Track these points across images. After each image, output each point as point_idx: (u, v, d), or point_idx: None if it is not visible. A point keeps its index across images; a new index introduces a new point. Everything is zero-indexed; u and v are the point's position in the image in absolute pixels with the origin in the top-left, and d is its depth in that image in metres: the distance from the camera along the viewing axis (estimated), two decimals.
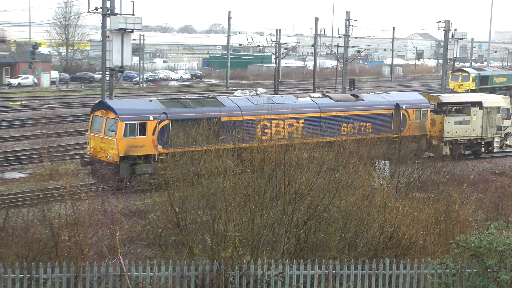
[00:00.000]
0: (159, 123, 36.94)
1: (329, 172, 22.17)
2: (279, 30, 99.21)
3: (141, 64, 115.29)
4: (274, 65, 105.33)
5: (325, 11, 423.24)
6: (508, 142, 50.29)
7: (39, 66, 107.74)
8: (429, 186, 28.04)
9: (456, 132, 47.00)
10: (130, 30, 47.14)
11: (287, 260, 16.80)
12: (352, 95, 48.42)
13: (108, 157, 35.69)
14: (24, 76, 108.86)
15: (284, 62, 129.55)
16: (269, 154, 21.26)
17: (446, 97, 52.02)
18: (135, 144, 36.15)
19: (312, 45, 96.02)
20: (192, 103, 40.63)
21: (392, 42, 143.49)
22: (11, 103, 79.91)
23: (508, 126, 49.85)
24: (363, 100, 46.21)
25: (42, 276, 16.03)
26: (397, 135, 45.64)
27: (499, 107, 50.39)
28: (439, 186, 27.57)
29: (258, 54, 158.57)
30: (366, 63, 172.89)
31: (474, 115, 48.30)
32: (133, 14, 48.22)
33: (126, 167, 35.59)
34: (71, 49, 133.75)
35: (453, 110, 49.38)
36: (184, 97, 51.53)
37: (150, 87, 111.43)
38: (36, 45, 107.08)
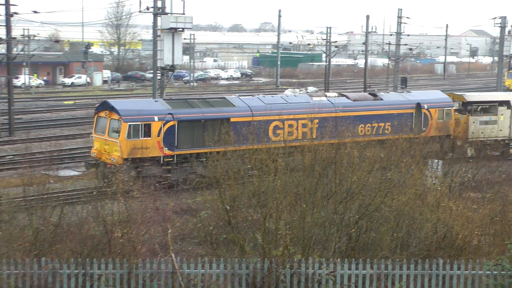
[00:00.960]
0: (164, 124, 35.80)
1: (380, 171, 22.00)
2: (330, 28, 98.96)
3: (192, 63, 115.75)
4: (324, 63, 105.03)
5: (376, 8, 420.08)
6: None
7: (91, 66, 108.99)
8: (484, 185, 27.71)
9: (482, 132, 45.04)
10: (181, 29, 47.43)
11: (339, 259, 16.74)
12: (370, 94, 46.98)
13: (112, 159, 34.91)
14: (77, 75, 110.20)
15: (334, 61, 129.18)
16: (320, 153, 21.17)
17: (471, 96, 50.16)
18: (139, 146, 35.00)
19: (363, 43, 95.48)
20: (200, 103, 39.25)
21: (446, 40, 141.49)
22: (65, 102, 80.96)
23: None
24: (382, 99, 44.88)
25: (96, 272, 16.23)
26: (418, 136, 43.31)
27: None
28: (494, 186, 27.14)
29: (308, 52, 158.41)
30: (418, 61, 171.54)
31: (502, 114, 46.64)
32: (183, 14, 48.48)
33: (131, 169, 33.14)
34: (122, 48, 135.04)
35: (478, 109, 47.49)
36: (192, 98, 49.82)
37: (200, 86, 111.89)
38: (88, 45, 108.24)
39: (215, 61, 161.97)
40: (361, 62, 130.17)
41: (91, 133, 39.12)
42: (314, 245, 18.26)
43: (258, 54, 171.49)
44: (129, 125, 34.69)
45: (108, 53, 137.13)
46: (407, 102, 44.97)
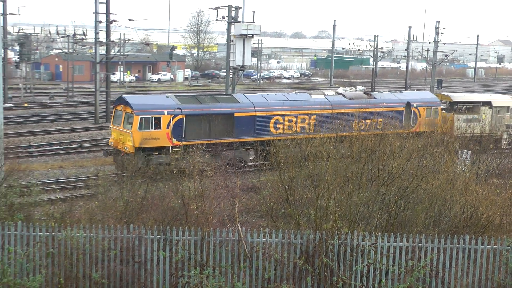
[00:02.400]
0: (173, 118, 34.36)
1: (417, 159, 21.77)
2: (377, 36, 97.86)
3: (259, 64, 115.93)
4: (371, 66, 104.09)
5: (417, 19, 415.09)
6: None
7: (175, 65, 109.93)
8: (506, 173, 27.17)
9: (466, 129, 41.12)
10: (251, 35, 47.53)
11: (379, 233, 16.59)
12: (365, 93, 44.72)
13: (125, 148, 33.77)
14: (163, 73, 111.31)
15: (380, 64, 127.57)
16: (366, 142, 21.04)
17: (457, 97, 48.34)
18: (149, 137, 33.80)
19: (405, 50, 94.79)
20: (207, 99, 37.56)
21: (476, 48, 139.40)
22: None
23: None
24: (375, 98, 42.90)
25: (174, 238, 16.35)
26: (408, 131, 41.36)
27: (508, 107, 46.77)
28: None
29: (358, 56, 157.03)
30: (452, 66, 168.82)
31: (484, 113, 44.72)
32: (253, 22, 48.59)
33: (141, 157, 33.07)
34: (201, 51, 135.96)
35: (463, 108, 45.87)
36: (200, 94, 48.09)
37: (265, 84, 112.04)
38: (173, 48, 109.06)
39: (278, 62, 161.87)
40: (403, 66, 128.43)
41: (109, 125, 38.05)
42: (359, 220, 18.14)
43: (315, 58, 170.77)
44: (141, 118, 33.58)
45: (189, 54, 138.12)
46: (398, 101, 43.27)
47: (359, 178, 19.33)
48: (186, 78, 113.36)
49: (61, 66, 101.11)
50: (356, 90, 49.20)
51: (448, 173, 21.46)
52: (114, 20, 47.30)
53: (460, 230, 18.17)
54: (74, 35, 73.17)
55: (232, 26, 47.94)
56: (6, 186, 21.00)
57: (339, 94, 42.77)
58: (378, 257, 16.15)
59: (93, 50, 51.14)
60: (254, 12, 49.50)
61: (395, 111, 41.34)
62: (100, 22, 46.79)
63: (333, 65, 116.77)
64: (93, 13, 46.66)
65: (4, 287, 15.46)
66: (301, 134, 30.70)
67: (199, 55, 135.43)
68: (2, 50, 26.90)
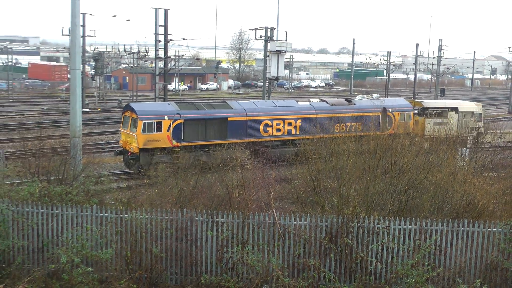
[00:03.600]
0: (173, 122, 33.34)
1: (424, 155, 21.51)
2: (389, 52, 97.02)
3: (290, 75, 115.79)
4: (385, 77, 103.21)
5: (424, 37, 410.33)
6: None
7: (220, 76, 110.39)
8: (499, 167, 26.70)
9: (435, 131, 38.58)
10: (284, 51, 47.45)
11: (392, 217, 16.44)
12: (346, 100, 42.87)
13: (131, 148, 33.01)
14: (210, 83, 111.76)
15: (392, 75, 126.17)
16: (381, 141, 20.85)
17: (427, 103, 46.77)
18: (152, 139, 32.79)
19: (413, 64, 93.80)
20: (204, 106, 36.36)
21: (473, 62, 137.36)
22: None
23: (480, 127, 43.02)
24: (355, 104, 41.23)
25: (220, 220, 16.40)
26: (384, 133, 40.37)
27: (472, 112, 45.17)
28: (507, 168, 26.20)
29: (374, 69, 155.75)
30: (452, 77, 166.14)
31: (451, 118, 43.00)
32: (285, 40, 48.56)
33: (145, 157, 32.40)
34: (242, 64, 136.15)
35: (433, 113, 44.09)
36: (199, 102, 46.66)
37: (296, 92, 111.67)
38: (219, 62, 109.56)
39: (306, 74, 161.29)
40: (411, 77, 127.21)
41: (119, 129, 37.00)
42: (375, 207, 18.00)
43: (337, 70, 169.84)
44: (144, 122, 32.69)
45: (232, 67, 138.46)
46: (375, 106, 41.43)
47: (375, 171, 19.16)
48: (229, 87, 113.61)
49: (127, 78, 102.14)
50: (372, 97, 48.37)
51: (450, 167, 21.20)
52: (171, 40, 47.52)
53: (460, 215, 17.94)
54: (138, 52, 73.70)
55: (268, 44, 47.91)
56: (84, 176, 21.29)
57: (323, 101, 41.33)
58: (390, 238, 16.03)
59: (154, 65, 51.48)
60: (286, 32, 49.64)
61: (373, 115, 39.62)
62: (159, 41, 47.06)
63: (352, 76, 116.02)
64: (153, 34, 46.95)
65: (83, 257, 15.67)
66: (326, 134, 30.25)
67: (240, 68, 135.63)
68: (81, 65, 27.24)
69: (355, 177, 18.77)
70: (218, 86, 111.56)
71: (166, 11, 46.22)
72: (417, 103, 45.94)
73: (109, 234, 16.38)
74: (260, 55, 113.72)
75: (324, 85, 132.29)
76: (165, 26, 46.31)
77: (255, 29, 49.27)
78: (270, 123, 36.60)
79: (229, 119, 35.17)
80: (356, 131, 38.05)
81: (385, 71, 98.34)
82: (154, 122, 32.94)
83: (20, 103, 75.51)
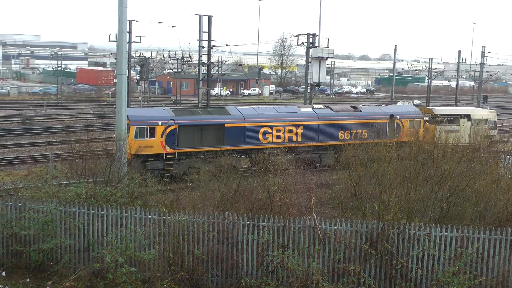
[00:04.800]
0: (167, 128, 31.72)
1: (466, 162, 21.12)
2: (431, 59, 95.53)
3: (332, 81, 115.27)
4: (426, 84, 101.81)
5: (466, 43, 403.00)
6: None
7: (262, 82, 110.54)
8: None
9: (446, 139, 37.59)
10: (325, 58, 47.31)
11: (433, 224, 16.17)
12: (351, 106, 40.62)
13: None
14: (252, 88, 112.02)
15: (434, 82, 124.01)
16: (423, 148, 20.58)
17: (438, 110, 44.46)
18: (145, 145, 31.20)
19: (455, 70, 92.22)
20: (201, 111, 34.63)
21: None
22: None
23: (494, 135, 41.15)
24: (360, 111, 39.12)
25: (261, 224, 16.39)
26: (391, 141, 38.53)
27: (486, 119, 43.05)
28: None
29: (415, 76, 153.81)
30: (495, 84, 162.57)
31: (463, 125, 41.07)
32: (327, 47, 48.36)
33: (138, 163, 29.98)
34: (284, 70, 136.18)
35: (444, 120, 41.70)
36: (196, 107, 44.18)
37: (337, 98, 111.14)
38: (261, 68, 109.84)
39: (348, 80, 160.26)
40: (453, 84, 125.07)
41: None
42: (415, 213, 17.78)
43: (379, 76, 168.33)
44: (136, 128, 31.25)
45: (274, 73, 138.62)
46: (382, 113, 39.52)
47: (416, 177, 18.94)
48: (271, 93, 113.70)
49: (171, 83, 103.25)
50: (414, 104, 47.48)
51: (492, 175, 20.76)
52: (214, 46, 47.81)
53: (503, 224, 17.57)
54: (182, 58, 74.39)
55: (310, 50, 47.82)
56: (128, 178, 21.58)
57: (327, 107, 39.39)
58: (431, 245, 15.77)
59: (197, 70, 51.91)
60: (328, 39, 49.29)
61: (379, 122, 37.80)
62: (203, 47, 47.41)
63: (393, 83, 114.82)
64: (197, 40, 47.34)
65: (127, 257, 15.88)
66: (368, 140, 29.64)
67: (282, 74, 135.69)
68: (127, 70, 27.64)
69: (396, 183, 18.57)
70: (260, 92, 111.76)
71: (210, 17, 46.58)
72: (428, 110, 44.12)
73: (152, 235, 16.56)
74: (302, 61, 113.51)
75: (365, 91, 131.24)
76: (209, 32, 46.65)
77: (297, 35, 49.24)
78: (269, 130, 34.92)
79: (226, 125, 33.61)
80: (362, 139, 37.26)
81: (426, 78, 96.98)
82: (146, 128, 31.56)
83: (68, 106, 77.11)
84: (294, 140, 35.27)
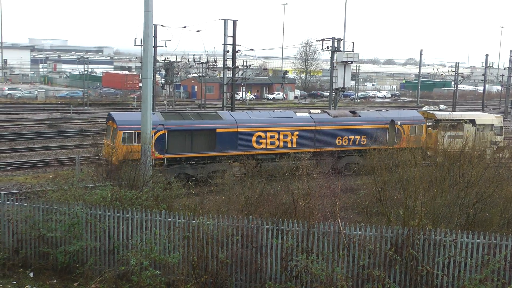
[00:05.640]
0: (156, 133, 30.68)
1: (493, 168, 20.85)
2: (458, 63, 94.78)
3: (356, 86, 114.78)
4: (452, 88, 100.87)
5: (494, 47, 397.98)
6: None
7: (287, 86, 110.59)
8: None
9: (449, 145, 35.43)
10: (350, 62, 47.08)
11: (459, 231, 15.98)
12: (350, 111, 39.45)
13: (112, 160, 30.71)
14: (277, 93, 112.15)
15: (460, 87, 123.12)
16: (449, 153, 20.39)
17: (441, 115, 43.21)
18: (133, 150, 28.99)
19: (483, 75, 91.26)
20: (192, 116, 33.50)
21: None
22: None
23: (501, 141, 40.06)
24: (359, 116, 37.94)
25: (285, 228, 16.37)
26: (392, 147, 37.84)
27: (492, 125, 41.69)
28: None
29: (441, 80, 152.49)
30: None
31: (467, 131, 38.73)
32: (352, 51, 48.12)
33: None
34: (308, 75, 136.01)
35: (447, 126, 40.31)
36: (187, 111, 43.05)
37: (362, 102, 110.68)
38: (285, 72, 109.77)
39: (373, 85, 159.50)
40: (480, 88, 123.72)
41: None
42: (441, 219, 17.60)
43: (404, 81, 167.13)
44: (124, 132, 30.66)
45: (298, 78, 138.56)
46: (382, 118, 38.36)
47: (442, 183, 18.76)
48: (295, 97, 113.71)
49: (196, 87, 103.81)
50: (440, 109, 46.84)
51: None
52: (239, 50, 47.92)
53: None
54: (207, 62, 74.76)
55: (335, 54, 47.67)
56: (153, 182, 21.73)
57: (325, 112, 38.29)
58: (457, 251, 15.58)
59: (222, 74, 52.14)
60: (353, 43, 49.07)
61: (379, 128, 37.15)
62: (228, 51, 47.58)
63: (419, 87, 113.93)
64: (222, 44, 47.53)
65: (151, 260, 15.98)
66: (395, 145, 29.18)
67: (307, 78, 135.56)
68: (152, 74, 27.82)
69: (422, 188, 18.41)
70: (285, 96, 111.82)
71: (234, 22, 46.75)
72: (430, 114, 43.02)
73: (176, 238, 16.64)
74: (327, 66, 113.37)
75: (390, 95, 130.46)
76: (234, 37, 46.82)
77: (322, 40, 49.10)
78: (263, 135, 33.98)
79: (218, 130, 32.76)
80: (360, 145, 35.93)
81: (452, 82, 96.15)
82: (134, 133, 30.56)
83: (94, 110, 77.94)
84: (289, 146, 34.43)
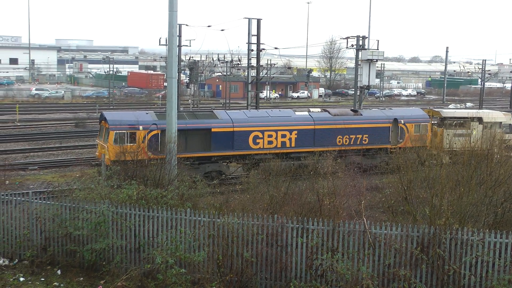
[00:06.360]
0: (148, 133, 30.37)
1: None
2: (484, 60, 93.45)
3: (381, 84, 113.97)
4: (479, 86, 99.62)
5: None
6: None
7: (311, 85, 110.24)
8: None
9: (455, 143, 32.34)
10: (375, 60, 46.73)
11: (487, 230, 15.78)
12: (352, 110, 38.40)
13: (104, 160, 29.67)
14: (301, 91, 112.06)
15: (487, 84, 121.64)
16: (476, 152, 20.13)
17: (446, 113, 42.02)
18: (125, 150, 28.78)
19: (510, 72, 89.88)
20: (187, 115, 32.71)
21: None
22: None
23: (510, 140, 36.95)
24: (361, 114, 36.97)
25: (310, 227, 16.34)
26: (395, 146, 36.26)
27: (500, 122, 40.11)
28: None
29: (467, 78, 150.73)
30: None
31: (474, 129, 37.87)
32: (377, 49, 47.79)
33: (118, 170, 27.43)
34: (333, 73, 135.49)
35: (453, 124, 39.43)
36: (181, 111, 40.48)
37: (387, 100, 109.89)
38: (310, 71, 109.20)
39: (398, 83, 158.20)
40: (508, 86, 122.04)
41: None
42: (468, 218, 17.39)
43: (430, 79, 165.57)
44: (116, 132, 30.09)
45: (323, 76, 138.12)
46: (385, 117, 37.38)
47: (469, 182, 18.53)
48: (320, 96, 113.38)
49: (220, 86, 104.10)
50: (466, 107, 46.00)
51: None
52: (263, 49, 47.90)
53: None
54: (231, 61, 74.87)
55: (360, 52, 47.38)
56: (178, 181, 21.84)
57: (325, 110, 37.18)
58: (485, 251, 15.39)
59: (246, 73, 52.21)
60: (378, 41, 48.67)
61: (381, 127, 36.61)
62: (252, 50, 47.60)
63: (445, 85, 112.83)
64: (246, 43, 47.55)
65: (177, 259, 16.07)
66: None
67: (331, 76, 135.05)
68: (177, 74, 27.92)
69: (448, 187, 18.21)
70: (309, 95, 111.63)
71: (258, 21, 46.75)
72: (435, 112, 41.83)
73: (201, 237, 16.71)
74: (351, 64, 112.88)
75: (415, 93, 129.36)
76: (258, 36, 46.82)
77: (347, 38, 48.84)
78: (260, 135, 33.28)
79: (213, 130, 32.06)
80: (362, 144, 35.11)
81: (479, 80, 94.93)
82: (127, 133, 30.32)
83: (119, 109, 78.58)
84: (288, 145, 33.85)
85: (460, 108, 38.99)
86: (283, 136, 33.82)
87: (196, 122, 32.14)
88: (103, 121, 31.92)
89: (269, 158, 32.29)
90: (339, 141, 35.31)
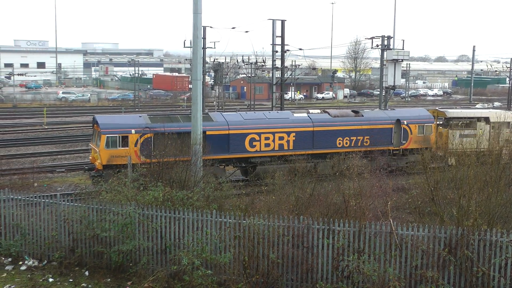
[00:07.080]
0: (141, 136, 29.92)
1: None
2: None
3: (407, 84, 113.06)
4: (508, 85, 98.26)
5: None
6: None
7: (336, 85, 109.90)
8: None
9: (461, 144, 29.61)
10: (401, 60, 46.53)
11: None
12: (352, 111, 37.18)
13: (95, 165, 29.89)
14: (326, 92, 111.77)
15: None
16: (504, 151, 19.88)
17: (452, 113, 40.90)
18: (117, 155, 29.30)
19: None
20: (181, 118, 32.02)
21: None
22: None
23: None
24: (362, 115, 36.00)
25: (336, 228, 16.28)
26: (397, 148, 36.08)
27: (508, 122, 38.66)
28: None
29: (495, 77, 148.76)
30: None
31: (481, 129, 37.15)
32: (402, 49, 47.57)
33: (109, 174, 27.29)
34: (358, 73, 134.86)
35: (459, 124, 38.36)
36: (176, 114, 40.80)
37: (413, 101, 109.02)
38: (335, 71, 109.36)
39: (424, 82, 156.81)
40: None
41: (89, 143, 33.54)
42: (497, 219, 17.16)
43: (456, 78, 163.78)
44: (107, 136, 29.63)
45: (347, 76, 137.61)
46: (387, 118, 36.47)
47: (498, 182, 18.29)
48: (345, 96, 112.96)
49: (245, 87, 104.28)
50: (494, 106, 45.21)
51: None
52: (288, 50, 47.91)
53: None
54: (256, 62, 74.97)
55: (385, 52, 47.15)
56: (204, 182, 21.93)
57: (325, 112, 36.27)
58: None
59: (271, 74, 52.23)
60: (403, 41, 48.43)
61: (383, 128, 35.77)
62: (276, 51, 47.63)
63: (472, 84, 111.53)
64: (270, 44, 47.59)
65: (203, 260, 16.14)
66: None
67: (356, 77, 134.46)
68: (202, 76, 28.02)
69: (476, 188, 17.99)
70: (334, 95, 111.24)
71: (283, 22, 46.74)
72: (440, 112, 40.93)
73: (227, 238, 16.76)
74: (376, 64, 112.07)
75: (442, 93, 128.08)
76: (282, 37, 46.81)
77: (372, 38, 48.63)
78: (257, 137, 32.67)
79: (208, 132, 31.12)
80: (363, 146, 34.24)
81: (507, 79, 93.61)
82: (118, 137, 29.93)
83: (145, 112, 79.17)
84: (286, 148, 33.22)
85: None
86: (281, 138, 33.28)
87: (190, 125, 30.64)
88: (95, 125, 31.51)
89: (267, 161, 32.30)
90: (339, 143, 34.65)
